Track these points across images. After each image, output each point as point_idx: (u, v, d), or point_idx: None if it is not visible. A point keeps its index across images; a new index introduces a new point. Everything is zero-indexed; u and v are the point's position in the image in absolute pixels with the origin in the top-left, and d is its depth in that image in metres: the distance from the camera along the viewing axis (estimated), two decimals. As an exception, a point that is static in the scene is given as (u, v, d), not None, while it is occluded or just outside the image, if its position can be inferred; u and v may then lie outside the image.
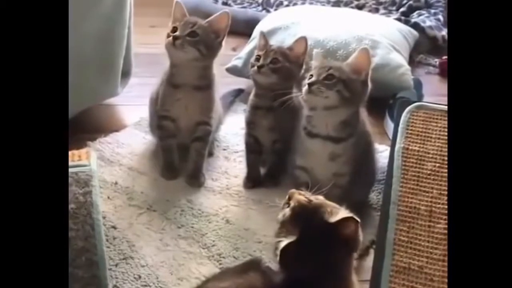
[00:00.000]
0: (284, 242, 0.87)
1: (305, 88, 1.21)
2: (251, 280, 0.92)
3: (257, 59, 1.39)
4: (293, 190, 0.99)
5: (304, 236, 0.88)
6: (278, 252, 0.87)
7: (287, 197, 0.98)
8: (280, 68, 1.37)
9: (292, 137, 1.33)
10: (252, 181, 1.45)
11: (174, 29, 1.36)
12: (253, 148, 1.47)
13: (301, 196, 0.96)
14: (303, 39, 1.39)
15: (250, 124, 1.46)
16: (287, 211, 0.94)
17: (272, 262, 1.13)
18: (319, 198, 0.96)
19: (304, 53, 1.39)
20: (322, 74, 1.20)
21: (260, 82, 1.40)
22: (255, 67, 1.38)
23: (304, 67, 1.40)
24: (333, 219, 0.89)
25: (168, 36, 1.36)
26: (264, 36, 1.44)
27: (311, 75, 1.23)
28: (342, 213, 0.91)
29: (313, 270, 0.87)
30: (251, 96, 1.46)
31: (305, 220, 0.91)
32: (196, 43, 1.35)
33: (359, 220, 0.89)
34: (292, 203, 0.95)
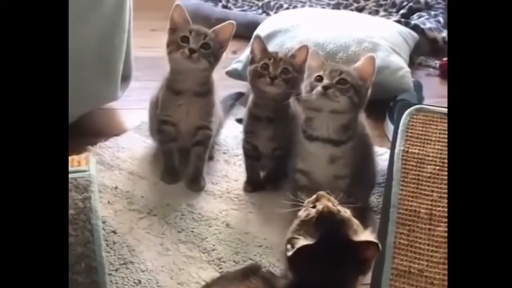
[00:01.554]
0: (302, 241, 0.84)
1: (318, 91, 1.17)
2: (252, 287, 0.92)
3: (264, 68, 1.33)
4: (323, 193, 0.96)
5: (324, 244, 0.86)
6: (293, 249, 0.84)
7: (314, 196, 0.96)
8: (291, 79, 1.33)
9: (292, 143, 1.32)
10: (252, 185, 1.45)
11: (185, 39, 1.34)
12: (252, 154, 1.46)
13: (330, 202, 0.93)
14: (305, 47, 1.35)
15: (249, 133, 1.44)
16: (312, 211, 0.91)
17: (272, 267, 1.14)
18: (347, 212, 0.93)
19: (305, 61, 1.33)
20: (335, 78, 1.18)
21: (270, 93, 1.34)
22: (267, 79, 1.32)
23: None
24: (358, 238, 0.87)
25: (178, 45, 1.34)
26: (261, 39, 1.39)
27: (320, 76, 1.20)
28: (366, 234, 0.88)
29: (321, 280, 0.86)
30: (250, 105, 1.42)
31: (329, 228, 0.88)
32: (208, 55, 1.35)
33: (380, 247, 0.86)
34: (319, 206, 0.92)
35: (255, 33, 2.11)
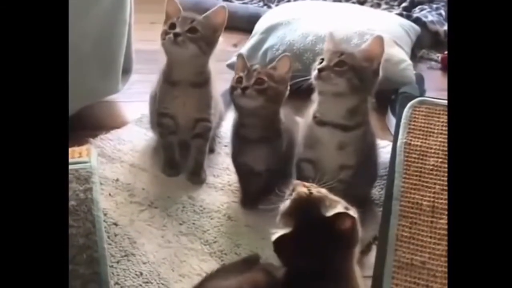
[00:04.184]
0: (277, 234, 0.87)
1: (314, 73, 1.18)
2: (253, 278, 0.92)
3: (239, 81, 1.26)
4: (298, 182, 0.97)
5: (300, 229, 0.88)
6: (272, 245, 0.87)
7: (291, 188, 0.97)
8: (266, 89, 1.24)
9: (288, 163, 1.32)
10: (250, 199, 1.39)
11: (172, 26, 1.33)
12: (245, 171, 1.38)
13: (303, 188, 0.94)
14: (287, 57, 1.29)
15: (237, 155, 1.36)
16: (287, 202, 0.93)
17: (273, 258, 1.14)
18: (321, 191, 0.94)
19: (288, 71, 1.28)
20: (334, 60, 1.17)
21: (245, 107, 1.27)
22: (238, 90, 1.24)
23: (289, 87, 1.30)
24: (329, 213, 0.87)
25: (166, 33, 1.33)
26: (242, 57, 1.31)
27: (322, 59, 1.20)
28: (339, 207, 0.89)
29: (311, 263, 0.87)
30: (235, 125, 1.34)
31: (302, 213, 0.90)
32: (197, 39, 1.33)
33: (355, 216, 0.87)
34: (293, 195, 0.94)
35: (256, 25, 2.13)
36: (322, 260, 0.87)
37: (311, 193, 0.93)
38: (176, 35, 1.32)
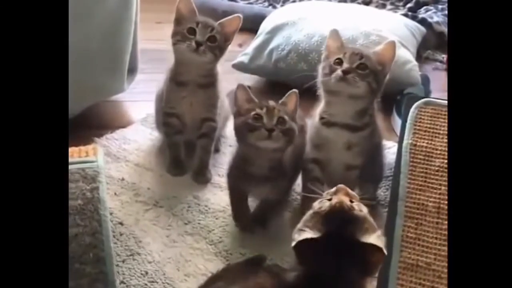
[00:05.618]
0: (306, 234, 0.83)
1: (337, 75, 1.16)
2: (260, 282, 0.91)
3: (256, 119, 1.14)
4: (342, 186, 0.92)
5: (328, 239, 0.83)
6: (294, 241, 0.83)
7: (334, 189, 0.92)
8: (288, 130, 1.15)
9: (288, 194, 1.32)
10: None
11: (191, 31, 1.33)
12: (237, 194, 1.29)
13: (345, 198, 0.89)
14: (294, 93, 1.18)
15: (235, 182, 1.26)
16: (326, 204, 0.88)
17: (279, 261, 1.14)
18: (363, 210, 0.89)
19: (296, 107, 1.19)
20: (355, 62, 1.17)
21: (267, 148, 1.15)
22: (263, 131, 1.12)
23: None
24: (363, 239, 0.83)
25: (184, 36, 1.33)
26: (244, 88, 1.19)
27: (339, 59, 1.19)
28: (374, 237, 0.83)
29: (327, 273, 0.83)
30: (238, 159, 1.23)
31: (336, 224, 0.85)
32: (215, 48, 1.35)
33: (386, 253, 0.82)
34: (334, 200, 0.88)
35: (261, 25, 2.13)
36: (338, 275, 0.83)
37: (353, 208, 0.87)
38: (198, 44, 1.32)
